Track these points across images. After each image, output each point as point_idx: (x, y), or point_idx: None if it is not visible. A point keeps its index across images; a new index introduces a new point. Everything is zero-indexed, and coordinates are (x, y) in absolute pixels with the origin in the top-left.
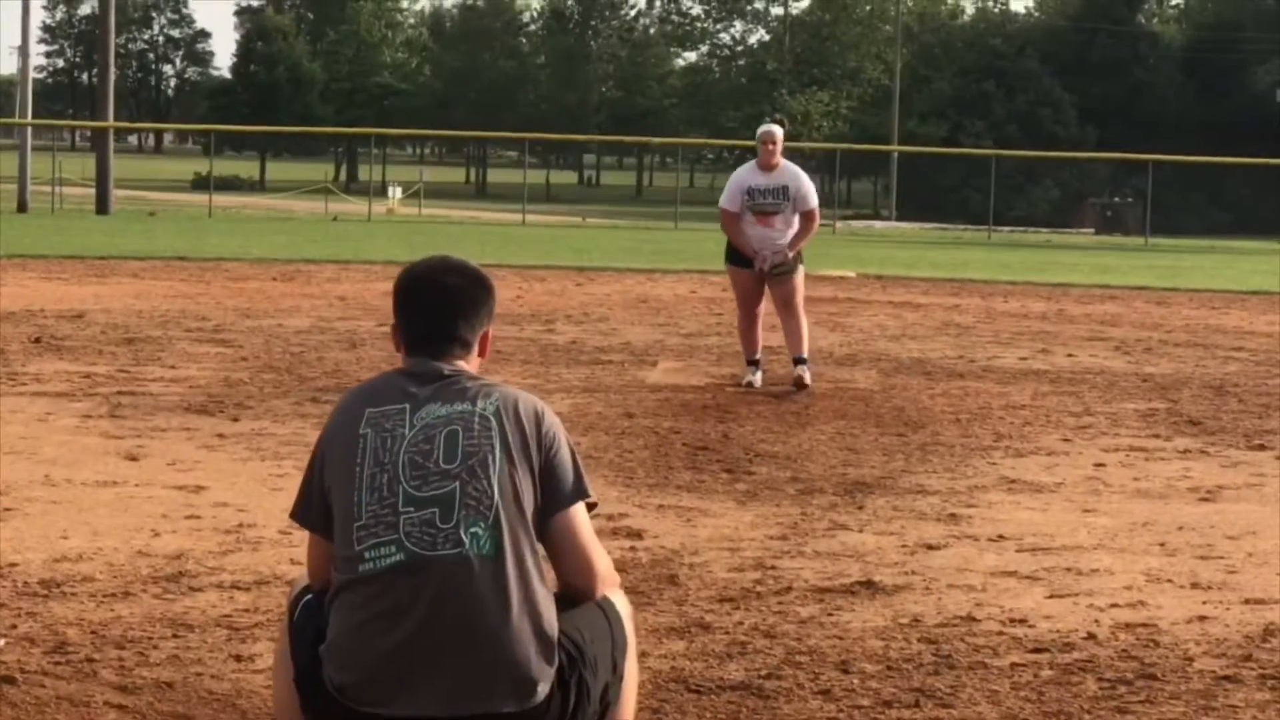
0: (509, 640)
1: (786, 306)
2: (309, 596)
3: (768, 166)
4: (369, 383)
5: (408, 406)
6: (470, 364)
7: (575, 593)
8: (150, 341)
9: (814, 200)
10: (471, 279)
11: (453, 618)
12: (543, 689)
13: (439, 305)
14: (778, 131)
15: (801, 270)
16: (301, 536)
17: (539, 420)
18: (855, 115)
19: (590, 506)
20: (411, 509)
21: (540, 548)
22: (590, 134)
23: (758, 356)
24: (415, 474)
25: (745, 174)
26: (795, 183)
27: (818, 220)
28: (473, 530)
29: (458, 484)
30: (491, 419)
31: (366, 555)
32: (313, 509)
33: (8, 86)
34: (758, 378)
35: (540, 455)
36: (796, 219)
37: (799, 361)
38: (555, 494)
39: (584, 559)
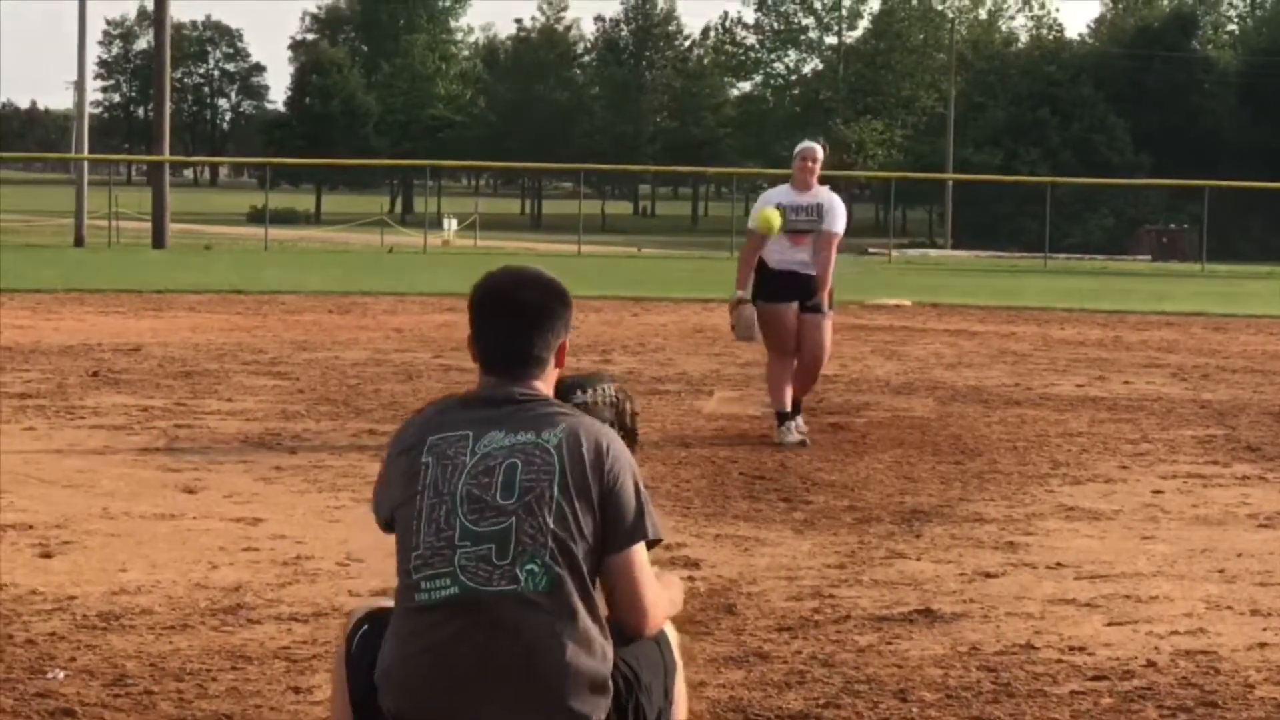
0: (561, 676)
1: (817, 349)
2: (365, 627)
3: (805, 186)
4: (436, 407)
5: (470, 434)
6: (547, 380)
7: (625, 629)
8: (207, 375)
9: (841, 225)
10: (546, 291)
11: (505, 654)
12: None
13: (513, 322)
14: (818, 150)
15: (832, 315)
16: (360, 569)
17: (602, 455)
18: (910, 143)
19: (653, 544)
20: (468, 543)
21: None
22: (645, 164)
23: (790, 409)
24: (473, 507)
25: (777, 194)
26: (829, 203)
27: (834, 248)
28: (528, 568)
29: (514, 520)
30: (553, 451)
31: (423, 585)
32: (381, 509)
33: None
34: (795, 433)
35: (600, 491)
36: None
37: (798, 408)
38: (614, 532)
39: (637, 601)
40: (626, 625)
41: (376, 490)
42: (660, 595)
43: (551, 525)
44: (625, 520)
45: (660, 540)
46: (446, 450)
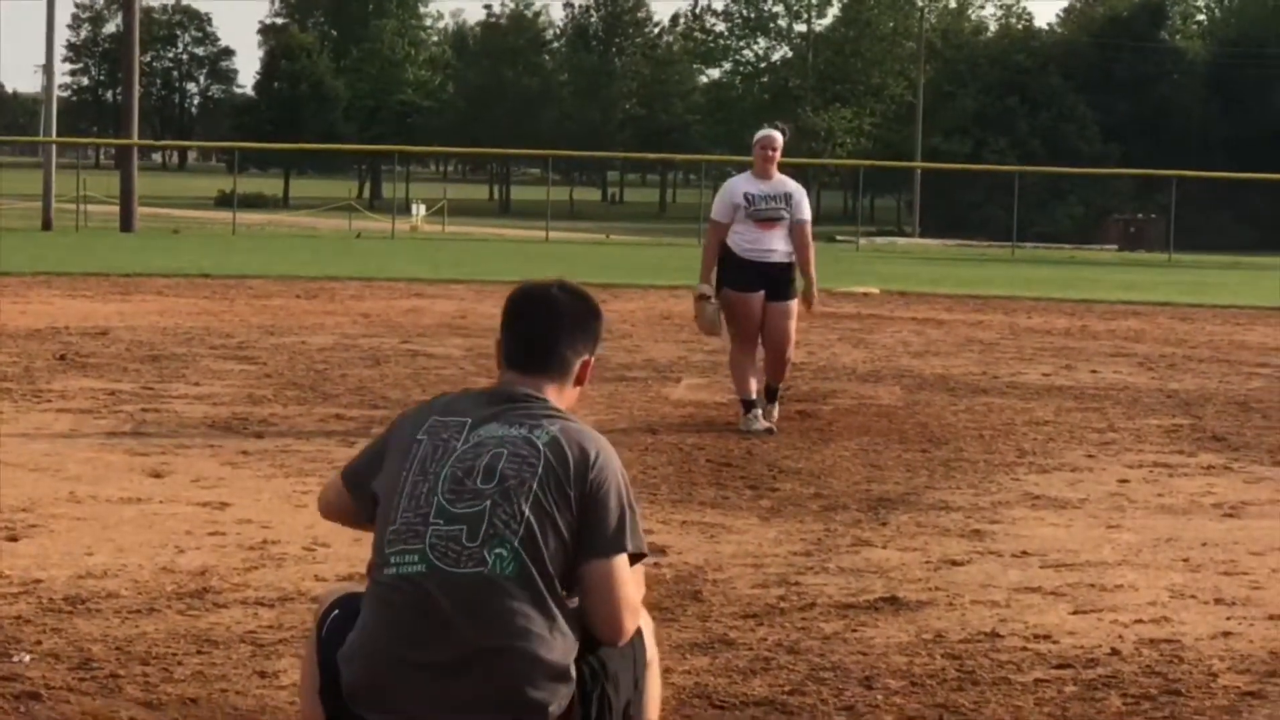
0: (520, 662)
1: (783, 337)
2: (336, 611)
3: (766, 174)
4: (450, 395)
5: (468, 422)
6: (563, 391)
7: (596, 638)
8: (174, 359)
9: (808, 212)
10: (579, 299)
11: (465, 635)
12: (554, 709)
13: (541, 320)
14: (778, 137)
15: (797, 300)
16: (326, 554)
17: (589, 459)
18: (878, 132)
19: (635, 558)
20: (441, 522)
21: (563, 577)
22: (614, 151)
23: (755, 397)
24: (453, 488)
25: (740, 182)
26: (796, 192)
27: (810, 233)
28: (497, 551)
29: (489, 504)
30: (541, 448)
31: (392, 560)
32: (357, 473)
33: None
34: (761, 420)
35: (581, 493)
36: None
37: (774, 395)
38: (591, 538)
39: (611, 613)
40: (599, 635)
41: (361, 455)
42: (637, 610)
43: (527, 514)
44: (605, 528)
45: (643, 555)
46: (441, 433)
